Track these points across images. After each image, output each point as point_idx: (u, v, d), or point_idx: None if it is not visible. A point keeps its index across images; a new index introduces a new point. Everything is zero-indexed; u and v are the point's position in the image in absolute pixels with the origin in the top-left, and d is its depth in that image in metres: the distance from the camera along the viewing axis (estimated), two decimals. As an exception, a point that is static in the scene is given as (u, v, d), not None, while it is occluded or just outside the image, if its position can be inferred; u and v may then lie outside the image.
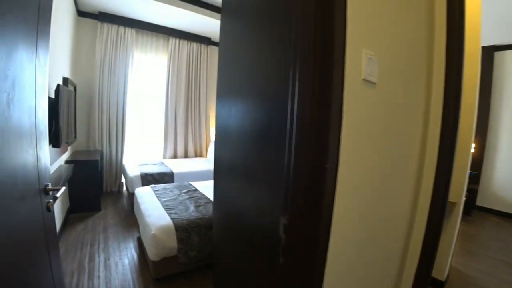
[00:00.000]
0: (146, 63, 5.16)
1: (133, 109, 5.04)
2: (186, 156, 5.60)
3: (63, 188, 1.32)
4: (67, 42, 3.79)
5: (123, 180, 4.84)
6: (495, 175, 4.84)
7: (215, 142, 1.66)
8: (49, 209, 1.25)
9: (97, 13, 4.48)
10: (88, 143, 4.68)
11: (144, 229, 2.35)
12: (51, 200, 1.25)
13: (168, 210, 2.49)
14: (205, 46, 5.60)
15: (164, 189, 3.15)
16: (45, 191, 1.21)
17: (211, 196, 3.03)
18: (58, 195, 1.28)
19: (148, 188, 3.16)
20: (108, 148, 4.76)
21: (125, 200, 4.47)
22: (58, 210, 3.17)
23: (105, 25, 4.53)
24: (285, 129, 0.97)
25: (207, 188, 3.29)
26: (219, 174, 1.61)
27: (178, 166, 4.60)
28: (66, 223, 3.44)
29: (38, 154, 1.12)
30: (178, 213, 2.43)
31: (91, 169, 3.78)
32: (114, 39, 4.61)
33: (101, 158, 4.60)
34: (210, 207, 2.67)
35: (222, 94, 1.58)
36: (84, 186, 3.78)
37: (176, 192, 3.08)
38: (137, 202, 2.85)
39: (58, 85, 2.17)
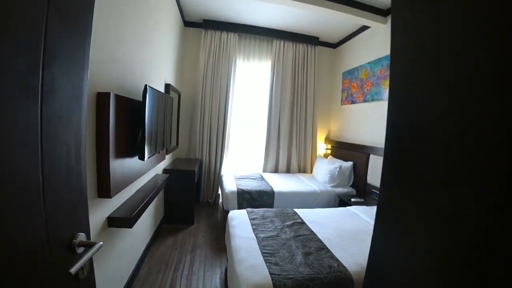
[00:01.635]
0: (249, 68, 4.76)
1: (235, 118, 4.68)
2: (288, 171, 4.92)
3: (99, 244, 0.76)
4: (173, 51, 3.66)
5: (219, 191, 4.50)
6: None
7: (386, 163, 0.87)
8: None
9: (201, 21, 4.31)
10: (189, 151, 4.52)
11: (232, 275, 1.72)
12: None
13: (266, 256, 1.79)
14: (312, 47, 4.86)
15: (263, 217, 2.49)
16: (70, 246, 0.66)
17: (323, 235, 2.21)
18: (86, 257, 0.71)
19: (244, 213, 2.56)
20: (207, 158, 4.51)
21: (219, 215, 4.08)
22: (151, 220, 2.95)
23: (209, 32, 4.34)
24: None
25: (317, 222, 2.48)
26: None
27: (280, 183, 3.95)
28: (157, 234, 3.22)
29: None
30: (280, 265, 1.70)
31: (187, 180, 3.49)
32: (217, 44, 4.36)
33: (200, 167, 4.37)
34: (324, 257, 1.86)
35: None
36: (179, 197, 3.53)
37: (278, 223, 2.37)
38: (229, 231, 2.26)
39: (146, 86, 1.76)
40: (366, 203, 3.43)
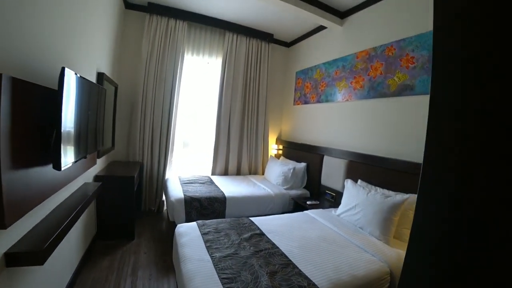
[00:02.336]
0: (198, 62, 4.37)
1: (181, 116, 4.24)
2: (238, 173, 4.65)
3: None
4: (109, 34, 3.11)
5: (164, 198, 4.03)
6: None
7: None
8: None
9: (146, 4, 3.79)
10: (128, 153, 3.96)
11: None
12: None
13: (226, 283, 1.48)
14: (266, 43, 4.68)
15: (217, 230, 2.16)
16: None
17: (285, 248, 1.98)
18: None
19: (194, 227, 2.19)
20: (149, 160, 4.00)
21: (164, 226, 3.62)
22: (79, 239, 2.40)
23: (154, 17, 3.82)
24: None
25: (276, 233, 2.24)
26: None
27: (231, 187, 3.65)
28: (88, 255, 2.67)
29: None
30: (244, 292, 1.42)
31: (125, 188, 2.99)
32: (163, 33, 3.88)
33: (141, 171, 3.85)
34: (291, 275, 1.62)
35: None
36: (116, 208, 3.01)
37: (234, 237, 2.07)
38: (178, 252, 1.89)
39: (63, 69, 1.31)
40: (321, 205, 3.34)
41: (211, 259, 1.71)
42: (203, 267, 1.61)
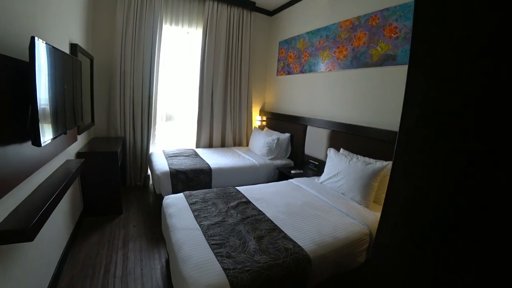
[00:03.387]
0: (178, 32, 4.20)
1: (162, 88, 4.12)
2: (223, 145, 4.67)
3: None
4: (80, 2, 2.91)
5: (149, 172, 4.03)
6: None
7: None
8: None
9: (118, -31, 3.53)
10: (109, 129, 3.86)
11: (178, 277, 1.44)
12: None
13: (215, 248, 1.54)
14: (248, 12, 4.52)
15: (204, 199, 2.21)
16: None
17: (271, 214, 2.07)
18: None
19: (181, 198, 2.23)
20: (132, 135, 3.93)
21: (151, 199, 3.65)
22: (66, 217, 2.39)
23: (128, -17, 3.58)
24: None
25: (263, 200, 2.32)
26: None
27: (216, 158, 3.68)
28: (77, 232, 2.68)
29: None
30: (233, 256, 1.48)
31: (109, 164, 2.96)
32: (139, 1, 3.66)
33: (124, 146, 3.80)
34: (278, 239, 1.71)
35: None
36: (101, 184, 2.99)
37: (222, 206, 2.13)
38: (166, 223, 1.93)
39: (33, 39, 1.24)
40: (305, 174, 3.44)
41: (200, 227, 1.77)
42: (192, 235, 1.66)
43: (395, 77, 2.68)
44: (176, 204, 2.10)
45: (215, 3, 4.21)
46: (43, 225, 1.40)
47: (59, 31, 2.25)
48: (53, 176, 2.00)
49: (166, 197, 2.28)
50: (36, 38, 1.27)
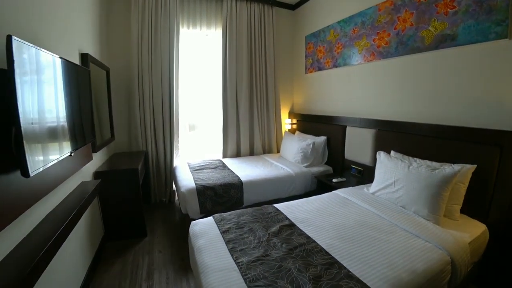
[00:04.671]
0: (196, 35, 3.92)
1: (183, 97, 3.84)
2: (252, 153, 4.30)
3: None
4: (91, 12, 2.72)
5: (174, 187, 3.74)
6: None
7: None
8: None
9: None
10: (130, 143, 3.63)
11: None
12: None
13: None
14: (269, 7, 4.17)
15: (238, 225, 1.83)
16: None
17: (324, 241, 1.65)
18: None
19: (211, 224, 1.86)
20: (154, 148, 3.67)
21: (177, 217, 3.35)
22: (85, 242, 2.15)
23: (141, -10, 3.34)
24: None
25: (309, 222, 1.90)
26: None
27: (246, 170, 3.30)
28: (98, 259, 2.41)
29: None
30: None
31: (129, 181, 2.69)
32: (153, 7, 3.41)
33: (146, 161, 3.54)
34: (340, 279, 1.29)
35: None
36: (122, 205, 2.72)
37: (261, 232, 1.74)
38: (195, 259, 1.57)
39: (9, 37, 0.93)
40: (348, 182, 2.99)
41: (237, 266, 1.39)
42: (228, 279, 1.28)
43: (457, 61, 2.19)
44: (206, 233, 1.74)
45: (233, 1, 3.89)
46: (40, 274, 1.10)
47: (66, 40, 2.00)
48: (64, 202, 1.74)
49: (193, 222, 1.92)
50: (13, 37, 0.96)
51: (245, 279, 1.29)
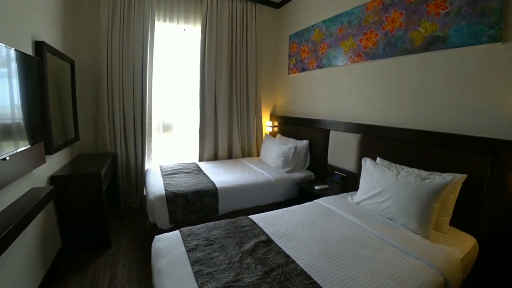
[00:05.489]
0: (173, 29, 3.66)
1: (157, 95, 3.56)
2: (230, 156, 4.07)
3: None
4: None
5: (145, 193, 3.45)
6: None
7: None
8: None
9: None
10: (98, 143, 3.31)
11: None
12: None
13: None
14: (252, 4, 3.98)
15: (208, 241, 1.60)
16: None
17: (304, 261, 1.45)
18: None
19: (176, 240, 1.60)
20: (124, 150, 3.38)
21: (147, 224, 3.07)
22: (34, 258, 1.86)
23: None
24: None
25: (288, 237, 1.70)
26: None
27: (223, 175, 3.08)
28: (53, 275, 2.10)
29: None
30: None
31: (92, 188, 2.40)
32: (126, -5, 3.13)
33: (115, 163, 3.25)
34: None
35: None
36: (83, 213, 2.43)
37: (233, 251, 1.51)
38: (154, 280, 1.33)
39: None
40: (331, 189, 2.83)
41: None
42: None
43: (448, 63, 2.08)
44: (169, 251, 1.49)
45: (215, -4, 3.67)
46: None
47: (15, 25, 1.71)
48: (3, 214, 1.46)
49: (156, 237, 1.68)
50: None
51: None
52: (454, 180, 1.81)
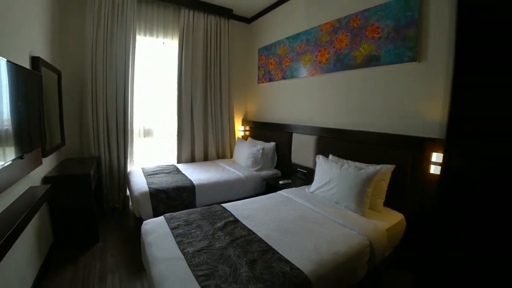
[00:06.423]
0: (153, 43, 4.01)
1: (138, 103, 3.89)
2: (206, 158, 4.45)
3: None
4: (44, 13, 2.70)
5: (128, 193, 3.74)
6: None
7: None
8: None
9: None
10: (82, 148, 3.57)
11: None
12: None
13: (203, 280, 1.34)
14: (226, 20, 4.40)
15: (187, 222, 1.99)
16: None
17: (263, 233, 1.88)
18: None
19: (161, 222, 2.00)
20: (107, 154, 3.65)
21: (131, 222, 3.37)
22: (32, 251, 2.10)
23: (97, -7, 3.37)
24: None
25: (251, 217, 2.13)
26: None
27: (199, 174, 3.46)
28: (46, 269, 2.35)
29: None
30: (223, 287, 1.29)
31: (81, 187, 2.69)
32: (110, 11, 3.44)
33: (99, 167, 3.52)
34: (273, 262, 1.52)
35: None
36: (73, 211, 2.70)
37: (207, 227, 1.92)
38: (146, 252, 1.71)
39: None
40: (294, 183, 3.28)
41: (184, 255, 1.55)
42: (175, 266, 1.44)
43: (380, 78, 2.61)
44: (156, 230, 1.87)
45: (191, 12, 4.06)
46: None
47: (15, 43, 2.01)
48: (9, 209, 1.74)
49: (144, 222, 2.04)
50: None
51: (190, 265, 1.46)
52: (383, 169, 2.31)
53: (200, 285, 1.30)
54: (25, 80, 1.86)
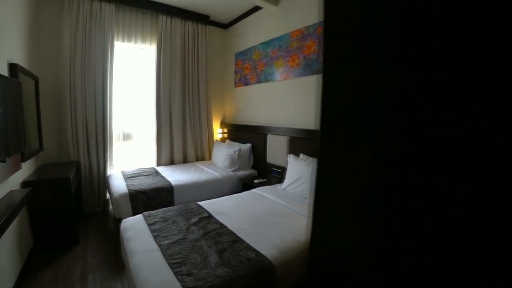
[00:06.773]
0: (131, 48, 4.10)
1: (117, 108, 3.97)
2: (185, 160, 4.57)
3: None
4: (20, 19, 2.75)
5: (108, 196, 3.81)
6: None
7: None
8: None
9: (64, -18, 3.39)
10: (61, 153, 3.62)
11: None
12: None
13: (176, 267, 1.49)
14: (203, 26, 4.56)
15: (164, 219, 2.14)
16: None
17: (234, 226, 2.05)
18: None
19: (139, 220, 2.14)
20: (87, 158, 3.72)
21: (111, 224, 3.46)
22: (14, 252, 2.16)
23: (75, -1, 3.43)
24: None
25: (225, 213, 2.30)
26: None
27: (178, 175, 3.59)
28: (26, 271, 2.41)
29: None
30: (194, 273, 1.44)
31: (61, 191, 2.76)
32: (87, 17, 3.51)
33: (79, 171, 3.58)
34: (240, 250, 1.70)
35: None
36: (53, 214, 2.76)
37: (182, 223, 2.07)
38: (124, 247, 1.84)
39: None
40: (268, 182, 3.46)
41: (159, 247, 1.70)
42: (151, 257, 1.59)
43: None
44: (134, 227, 2.01)
45: (169, 18, 4.19)
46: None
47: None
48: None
49: (124, 220, 2.17)
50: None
51: (164, 255, 1.61)
52: (345, 166, 2.53)
53: (173, 271, 1.46)
54: (5, 88, 1.94)
